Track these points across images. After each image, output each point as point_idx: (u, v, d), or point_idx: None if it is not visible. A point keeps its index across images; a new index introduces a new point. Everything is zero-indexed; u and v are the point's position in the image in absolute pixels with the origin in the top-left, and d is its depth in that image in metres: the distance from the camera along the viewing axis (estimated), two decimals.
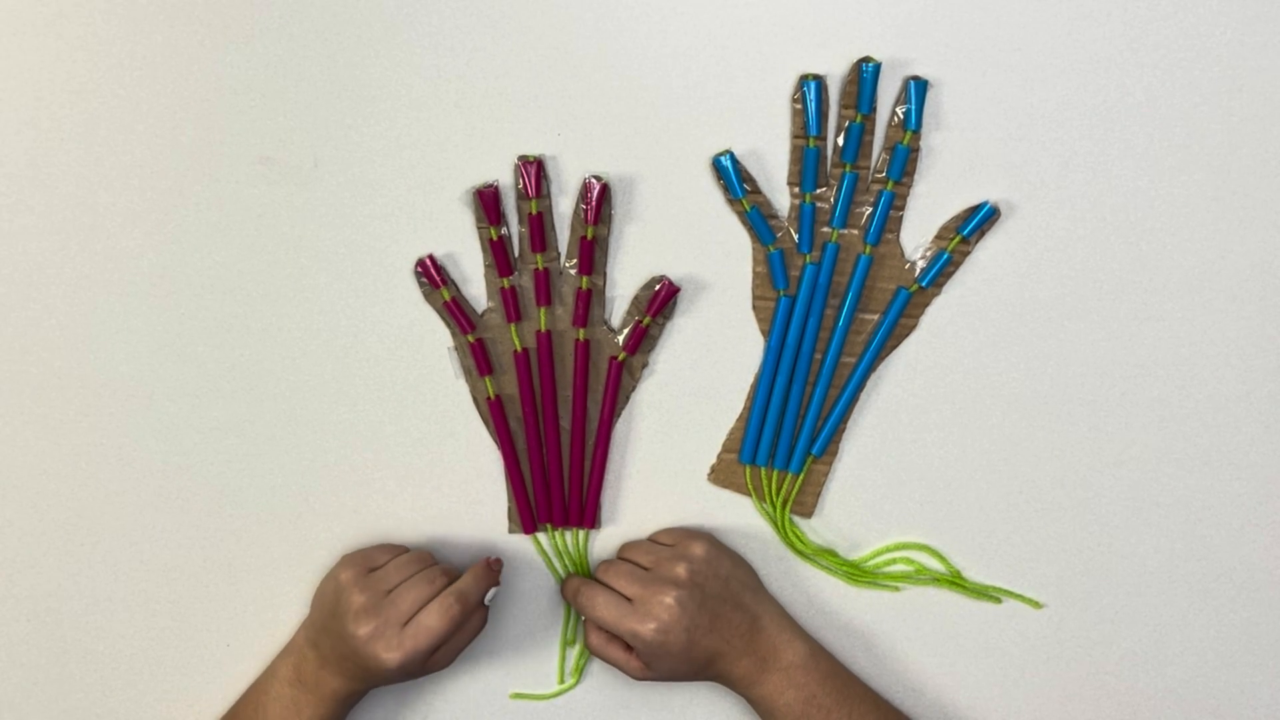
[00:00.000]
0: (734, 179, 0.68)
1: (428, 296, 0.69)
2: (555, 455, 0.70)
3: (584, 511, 0.71)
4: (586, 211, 0.67)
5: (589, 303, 0.68)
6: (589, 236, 0.68)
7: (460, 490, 0.71)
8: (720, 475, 0.71)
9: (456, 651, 0.65)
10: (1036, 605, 0.71)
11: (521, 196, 0.68)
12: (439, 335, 0.70)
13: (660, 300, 0.68)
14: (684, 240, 0.69)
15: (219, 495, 0.71)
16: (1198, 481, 0.70)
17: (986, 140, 0.68)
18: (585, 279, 0.68)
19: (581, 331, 0.69)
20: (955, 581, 0.71)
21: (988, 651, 0.71)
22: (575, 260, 0.68)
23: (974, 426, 0.70)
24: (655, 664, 0.64)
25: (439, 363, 0.70)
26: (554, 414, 0.69)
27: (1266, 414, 0.70)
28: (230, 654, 0.72)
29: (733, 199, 0.68)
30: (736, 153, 0.68)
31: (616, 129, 0.68)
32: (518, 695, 0.72)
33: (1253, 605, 0.71)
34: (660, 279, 0.68)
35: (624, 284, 0.69)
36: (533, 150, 0.68)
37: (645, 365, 0.69)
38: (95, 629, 0.72)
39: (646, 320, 0.68)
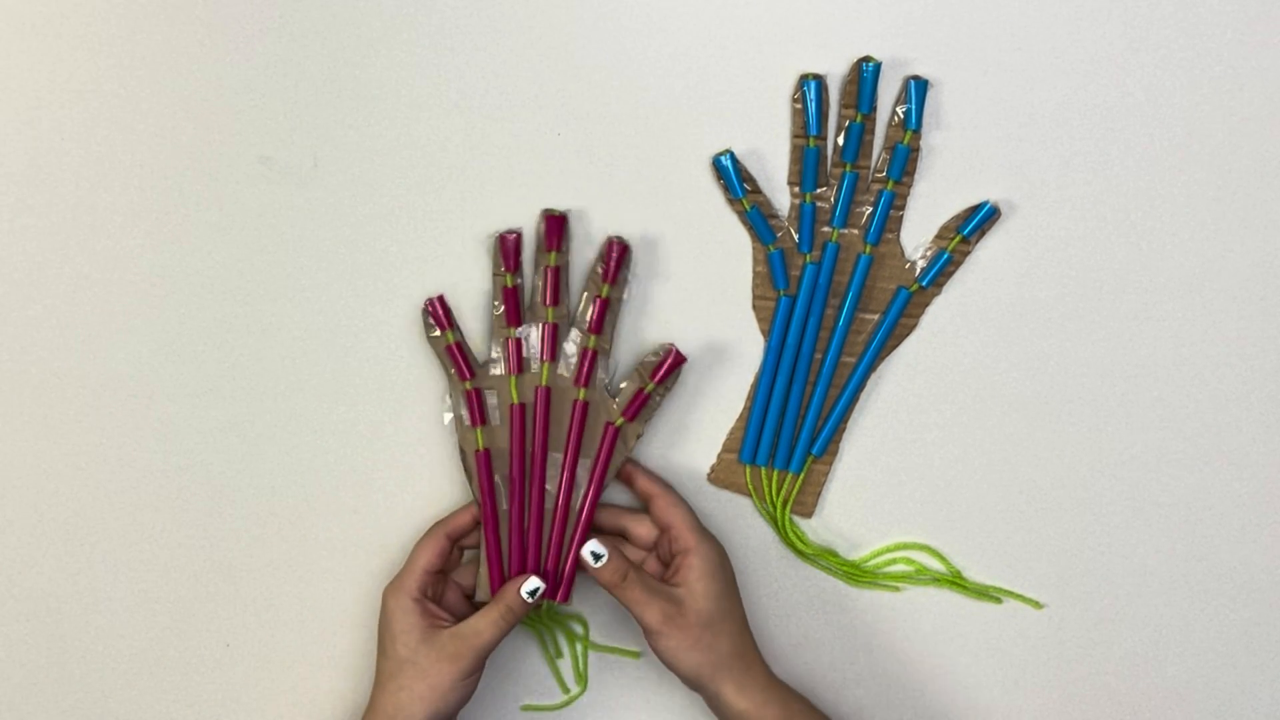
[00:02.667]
0: (734, 179, 0.68)
1: (431, 339, 0.67)
2: (537, 521, 0.67)
3: (558, 586, 0.67)
4: (605, 271, 0.66)
5: (594, 363, 0.67)
6: (604, 296, 0.66)
7: (461, 489, 0.71)
8: (720, 475, 0.71)
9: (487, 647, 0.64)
10: (1037, 605, 0.71)
11: (541, 249, 0.66)
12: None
13: (666, 369, 0.66)
14: (684, 240, 0.69)
15: (219, 495, 0.71)
16: (1198, 481, 0.70)
17: (986, 140, 0.68)
18: (594, 338, 0.66)
19: (582, 391, 0.67)
20: (955, 581, 0.71)
21: (988, 651, 0.71)
22: (587, 317, 0.66)
23: (974, 426, 0.70)
24: (690, 609, 0.63)
25: (439, 362, 0.70)
26: (543, 474, 0.67)
27: (1266, 414, 0.70)
28: (230, 654, 0.72)
29: (733, 199, 0.68)
30: (736, 153, 0.68)
31: (617, 129, 0.68)
32: (529, 707, 0.72)
33: (1253, 605, 0.71)
34: (667, 347, 0.66)
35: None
36: (533, 149, 0.68)
37: (640, 435, 0.67)
38: (95, 629, 0.72)
39: (650, 387, 0.66)
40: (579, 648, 0.71)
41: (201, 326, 0.70)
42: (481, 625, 0.63)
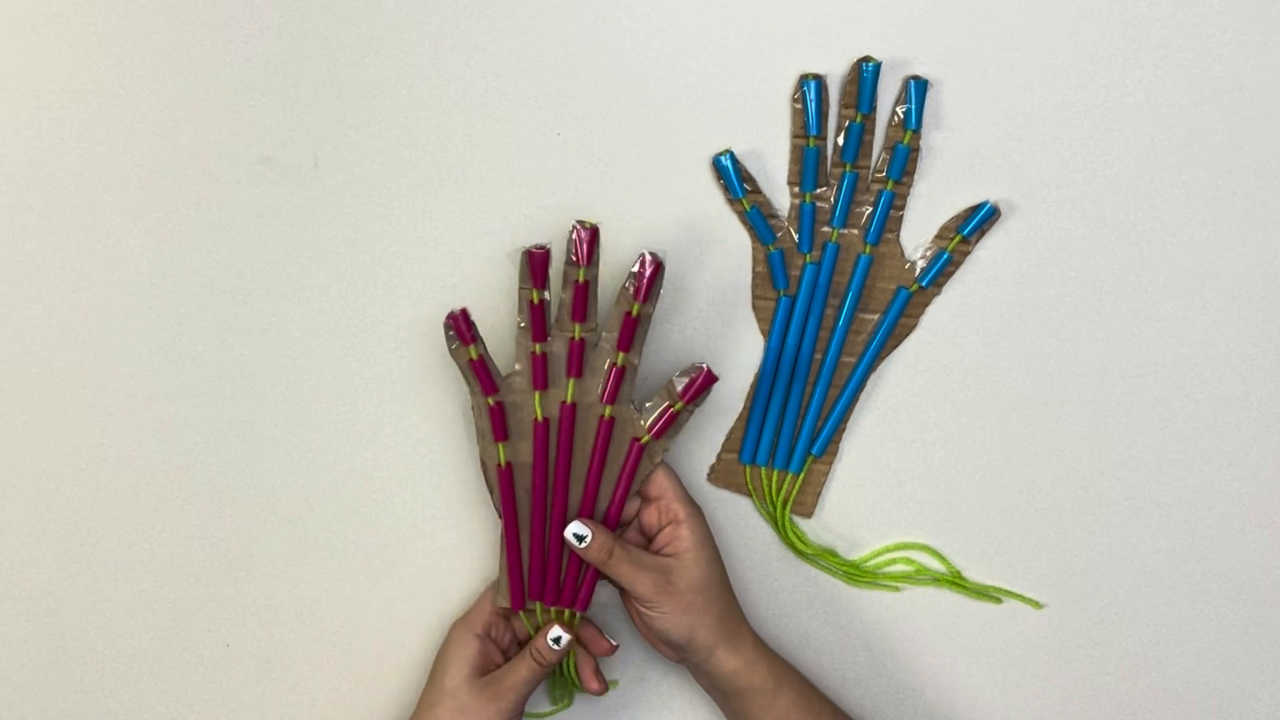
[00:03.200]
0: (734, 179, 0.68)
1: (453, 351, 0.64)
2: (559, 533, 0.66)
3: (577, 594, 0.67)
4: (637, 289, 0.63)
5: (621, 380, 0.64)
6: (634, 314, 0.63)
7: (461, 488, 0.71)
8: (720, 475, 0.71)
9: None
10: (1036, 605, 0.71)
11: (570, 262, 0.63)
12: (438, 335, 0.69)
13: (697, 389, 0.64)
14: (684, 240, 0.69)
15: (219, 495, 0.71)
16: (1198, 481, 0.70)
17: (986, 140, 0.68)
18: (622, 355, 0.64)
19: (609, 409, 0.65)
20: (955, 581, 0.71)
21: (988, 651, 0.71)
22: (612, 335, 0.64)
23: (974, 426, 0.70)
24: (681, 577, 0.63)
25: (439, 362, 0.70)
26: (565, 489, 0.66)
27: (1266, 414, 0.70)
28: (230, 654, 0.72)
29: (733, 199, 0.68)
30: (736, 153, 0.68)
31: (617, 129, 0.68)
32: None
33: (1253, 605, 0.71)
34: (699, 366, 0.64)
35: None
36: (532, 149, 0.68)
37: (666, 450, 0.66)
38: (95, 629, 0.72)
39: (679, 406, 0.64)
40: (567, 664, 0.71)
41: (201, 326, 0.70)
42: (518, 667, 0.65)
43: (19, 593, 0.72)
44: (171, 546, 0.71)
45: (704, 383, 0.64)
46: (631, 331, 0.64)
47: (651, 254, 0.62)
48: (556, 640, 0.64)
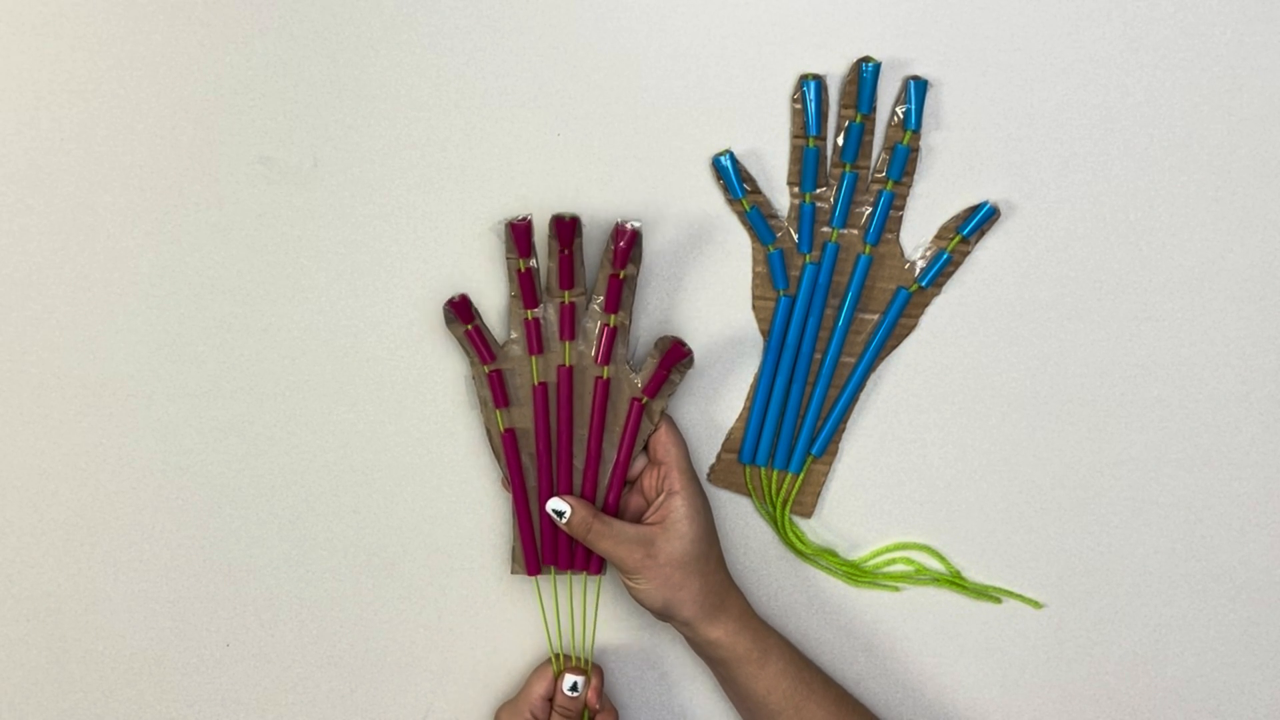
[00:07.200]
0: (734, 179, 0.68)
1: (450, 326, 0.67)
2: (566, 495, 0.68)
3: (590, 556, 0.69)
4: (614, 257, 0.65)
5: (614, 340, 0.66)
6: (619, 276, 0.65)
7: (460, 488, 0.71)
8: (720, 475, 0.71)
9: None
10: (1036, 605, 0.71)
11: (553, 236, 0.65)
12: (439, 335, 0.70)
13: (669, 359, 0.65)
14: (684, 240, 0.69)
15: (219, 495, 0.71)
16: (1198, 481, 0.70)
17: (986, 140, 0.68)
18: (612, 317, 0.66)
19: (605, 369, 0.67)
20: (955, 581, 0.71)
21: (988, 651, 0.71)
22: (601, 298, 0.66)
23: (974, 426, 0.70)
24: (662, 550, 0.64)
25: (439, 362, 0.70)
26: (569, 451, 0.67)
27: (1266, 414, 0.70)
28: (230, 654, 0.72)
29: (733, 199, 0.68)
30: (736, 153, 0.68)
31: (617, 129, 0.68)
32: None
33: (1253, 605, 0.71)
34: (671, 339, 0.65)
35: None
36: (532, 149, 0.68)
37: (663, 410, 0.67)
38: (95, 629, 0.72)
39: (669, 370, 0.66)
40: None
41: (201, 326, 0.70)
42: None
43: (19, 593, 0.72)
44: (171, 546, 0.71)
45: (673, 356, 0.65)
46: (618, 294, 0.66)
47: (625, 223, 0.64)
48: (573, 687, 0.67)
